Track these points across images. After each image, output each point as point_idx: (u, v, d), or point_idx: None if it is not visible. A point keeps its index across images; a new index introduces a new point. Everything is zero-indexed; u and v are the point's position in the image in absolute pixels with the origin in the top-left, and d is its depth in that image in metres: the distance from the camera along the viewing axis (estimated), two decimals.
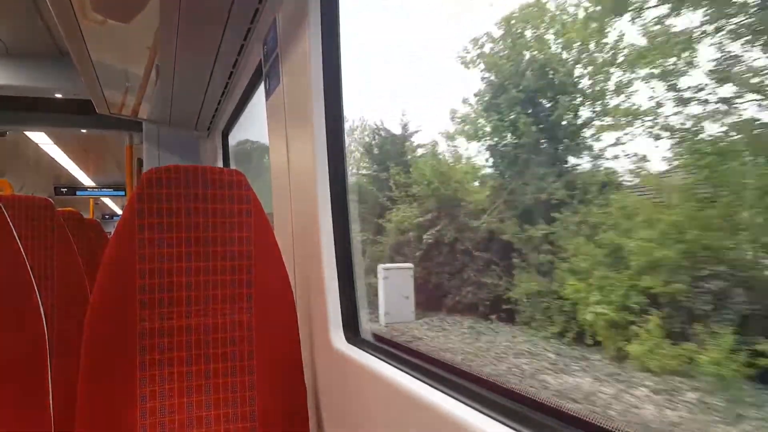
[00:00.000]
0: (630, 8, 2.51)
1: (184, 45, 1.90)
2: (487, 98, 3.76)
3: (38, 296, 0.91)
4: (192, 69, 2.16)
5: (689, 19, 2.11)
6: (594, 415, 0.64)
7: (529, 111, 3.32)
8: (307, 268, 1.32)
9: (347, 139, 1.31)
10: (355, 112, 5.29)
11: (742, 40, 1.83)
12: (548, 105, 3.25)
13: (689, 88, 2.17)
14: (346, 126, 1.30)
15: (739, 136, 1.91)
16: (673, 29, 2.25)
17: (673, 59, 2.24)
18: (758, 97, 1.81)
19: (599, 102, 2.87)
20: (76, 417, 0.92)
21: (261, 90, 1.78)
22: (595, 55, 2.90)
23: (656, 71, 2.38)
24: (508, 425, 0.66)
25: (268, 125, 1.66)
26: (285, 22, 1.43)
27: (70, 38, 1.90)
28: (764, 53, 1.81)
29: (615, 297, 2.47)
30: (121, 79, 2.43)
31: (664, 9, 2.27)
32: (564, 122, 3.11)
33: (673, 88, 2.27)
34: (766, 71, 1.81)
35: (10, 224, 0.90)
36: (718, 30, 1.92)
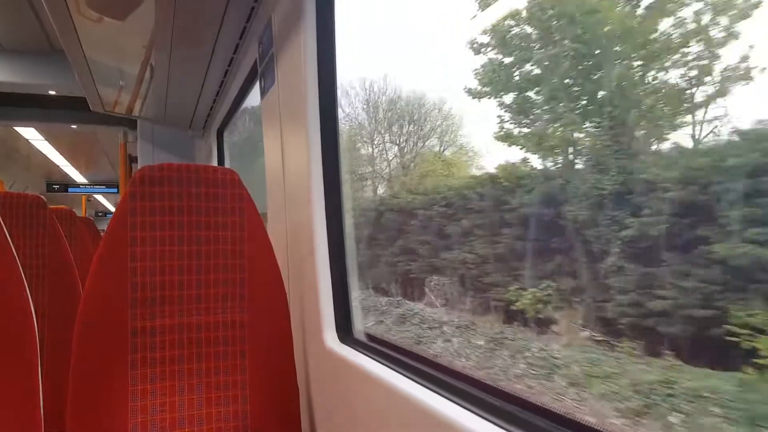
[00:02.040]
0: None
1: (179, 43, 1.89)
2: None
3: (29, 294, 0.91)
4: (187, 68, 2.16)
5: None
6: (584, 416, 0.65)
7: None
8: (300, 268, 1.32)
9: None
10: None
11: None
12: None
13: None
14: None
15: None
16: None
17: None
18: None
19: None
20: (66, 415, 0.92)
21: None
22: None
23: None
24: (499, 425, 0.67)
25: (264, 124, 1.66)
26: (280, 22, 1.43)
27: (64, 35, 1.89)
28: None
29: None
30: (115, 77, 2.42)
31: None
32: None
33: None
34: None
35: (1, 221, 0.90)
36: None
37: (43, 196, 1.42)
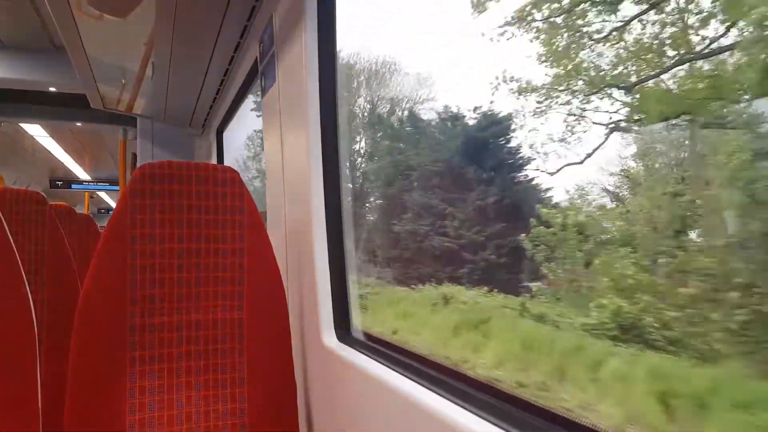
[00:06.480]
0: None
1: (180, 42, 1.89)
2: None
3: (28, 290, 0.91)
4: (187, 66, 2.15)
5: None
6: (581, 417, 0.65)
7: None
8: (299, 266, 1.32)
9: None
10: None
11: None
12: None
13: None
14: None
15: None
16: None
17: None
18: None
19: None
20: (64, 411, 0.92)
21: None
22: None
23: None
24: (496, 424, 0.67)
25: (263, 124, 1.66)
26: (282, 21, 1.43)
27: (65, 32, 1.89)
28: None
29: None
30: (116, 75, 2.42)
31: None
32: None
33: None
34: None
35: (1, 217, 0.90)
36: None
37: (43, 193, 1.42)
